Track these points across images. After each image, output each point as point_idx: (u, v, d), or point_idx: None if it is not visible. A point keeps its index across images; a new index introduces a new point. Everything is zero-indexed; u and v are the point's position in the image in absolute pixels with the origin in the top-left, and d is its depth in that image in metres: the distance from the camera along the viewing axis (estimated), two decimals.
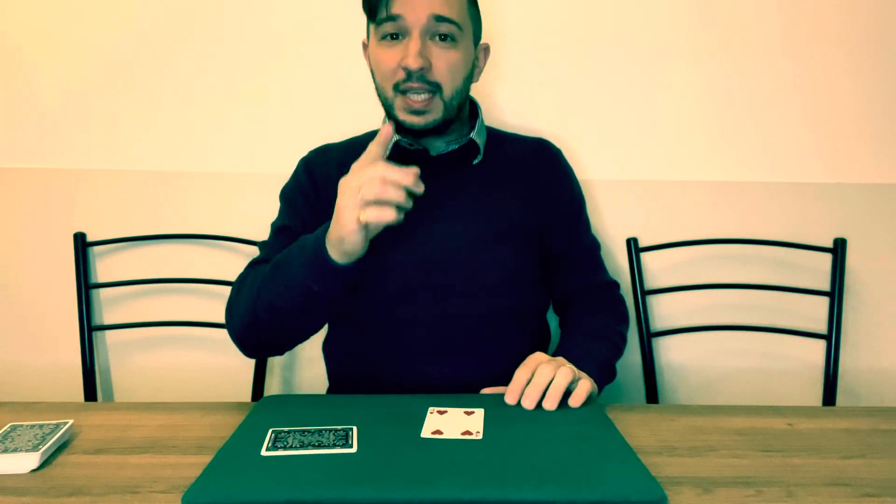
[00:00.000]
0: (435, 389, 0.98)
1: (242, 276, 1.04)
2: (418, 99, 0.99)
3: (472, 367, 1.01)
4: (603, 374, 0.99)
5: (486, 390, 0.93)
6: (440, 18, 0.97)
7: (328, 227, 0.89)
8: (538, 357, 0.90)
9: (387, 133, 0.87)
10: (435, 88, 0.99)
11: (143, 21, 1.38)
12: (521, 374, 0.87)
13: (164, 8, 1.37)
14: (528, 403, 0.84)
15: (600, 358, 1.01)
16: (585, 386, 0.87)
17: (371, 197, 0.82)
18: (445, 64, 0.99)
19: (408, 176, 0.83)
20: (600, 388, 0.99)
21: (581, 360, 0.95)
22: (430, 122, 1.01)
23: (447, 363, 1.01)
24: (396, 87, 1.00)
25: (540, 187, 1.11)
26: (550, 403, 0.83)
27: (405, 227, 1.04)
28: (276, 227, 1.10)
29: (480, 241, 1.05)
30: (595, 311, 1.12)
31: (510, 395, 0.86)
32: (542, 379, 0.85)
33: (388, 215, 0.83)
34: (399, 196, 0.83)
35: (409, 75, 0.97)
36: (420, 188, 0.84)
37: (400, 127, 1.04)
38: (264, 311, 0.95)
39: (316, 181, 1.09)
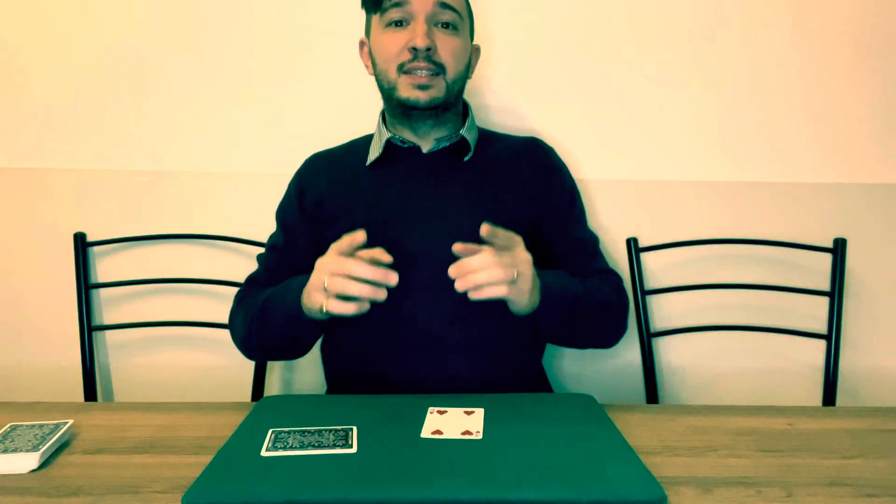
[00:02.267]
0: (429, 387, 0.98)
1: (240, 296, 1.12)
2: (423, 74, 1.02)
3: (465, 364, 1.02)
4: (557, 296, 0.96)
5: (457, 247, 0.89)
6: (444, 5, 1.02)
7: (306, 282, 0.93)
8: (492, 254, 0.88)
9: (359, 239, 0.89)
10: (439, 69, 1.03)
11: (144, 22, 1.38)
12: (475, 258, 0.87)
13: (165, 8, 1.37)
14: (454, 274, 0.85)
15: (567, 285, 0.98)
16: (501, 290, 0.85)
17: (335, 291, 0.86)
18: (449, 48, 1.03)
19: (375, 272, 0.85)
20: (552, 316, 0.96)
21: (546, 276, 0.95)
22: (433, 99, 1.03)
23: (440, 360, 1.01)
24: (401, 68, 1.03)
25: (530, 182, 1.11)
26: (460, 284, 0.85)
27: (397, 225, 1.05)
28: (270, 245, 1.18)
29: (471, 236, 1.05)
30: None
31: (453, 269, 0.87)
32: (475, 263, 0.85)
33: (349, 309, 0.86)
34: (362, 291, 0.85)
35: (415, 55, 1.01)
36: (393, 280, 0.86)
37: (400, 110, 1.06)
38: (257, 338, 1.04)
39: (305, 197, 1.14)
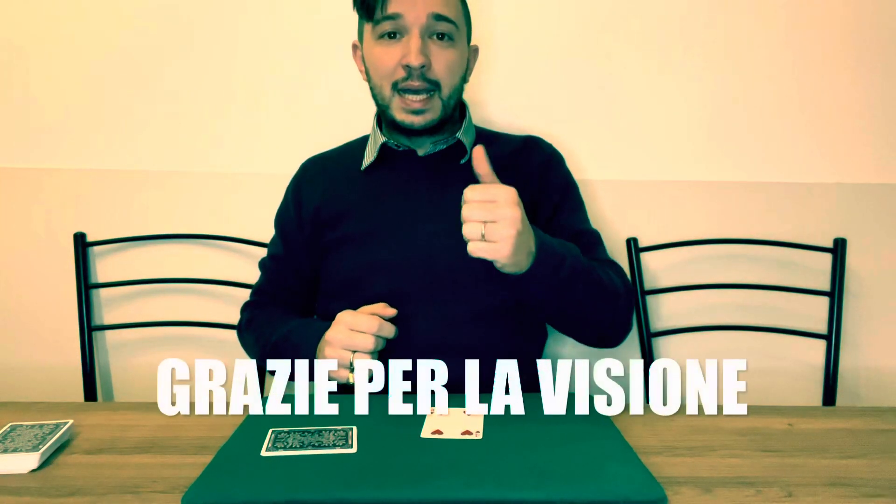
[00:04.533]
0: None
1: (247, 316, 1.14)
2: (417, 98, 1.00)
3: (463, 366, 1.01)
4: (553, 257, 0.89)
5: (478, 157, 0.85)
6: (439, 17, 0.99)
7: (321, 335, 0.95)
8: (490, 193, 0.83)
9: (388, 313, 0.96)
10: (434, 87, 1.00)
11: (143, 21, 1.38)
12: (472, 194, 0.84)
13: (163, 8, 1.37)
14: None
15: (568, 249, 0.92)
16: (469, 248, 0.83)
17: (365, 369, 0.90)
18: (444, 62, 1.00)
19: (372, 342, 0.91)
20: (543, 272, 0.88)
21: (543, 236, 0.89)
22: (429, 122, 1.02)
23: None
24: (395, 86, 1.00)
25: (528, 181, 1.10)
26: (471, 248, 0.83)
27: (393, 229, 1.04)
28: (271, 254, 1.17)
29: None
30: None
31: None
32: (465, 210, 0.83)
33: (351, 377, 0.91)
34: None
35: (410, 73, 0.98)
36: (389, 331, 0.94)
37: (394, 126, 1.05)
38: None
39: (302, 206, 1.13)
